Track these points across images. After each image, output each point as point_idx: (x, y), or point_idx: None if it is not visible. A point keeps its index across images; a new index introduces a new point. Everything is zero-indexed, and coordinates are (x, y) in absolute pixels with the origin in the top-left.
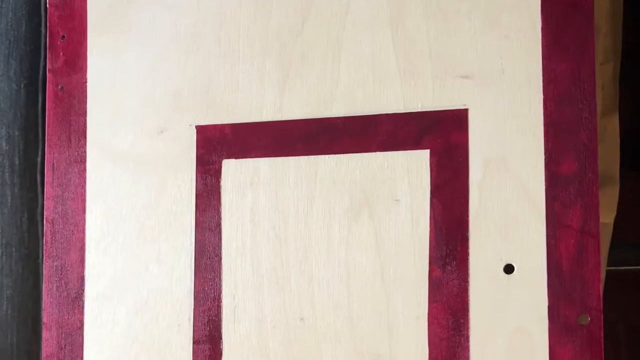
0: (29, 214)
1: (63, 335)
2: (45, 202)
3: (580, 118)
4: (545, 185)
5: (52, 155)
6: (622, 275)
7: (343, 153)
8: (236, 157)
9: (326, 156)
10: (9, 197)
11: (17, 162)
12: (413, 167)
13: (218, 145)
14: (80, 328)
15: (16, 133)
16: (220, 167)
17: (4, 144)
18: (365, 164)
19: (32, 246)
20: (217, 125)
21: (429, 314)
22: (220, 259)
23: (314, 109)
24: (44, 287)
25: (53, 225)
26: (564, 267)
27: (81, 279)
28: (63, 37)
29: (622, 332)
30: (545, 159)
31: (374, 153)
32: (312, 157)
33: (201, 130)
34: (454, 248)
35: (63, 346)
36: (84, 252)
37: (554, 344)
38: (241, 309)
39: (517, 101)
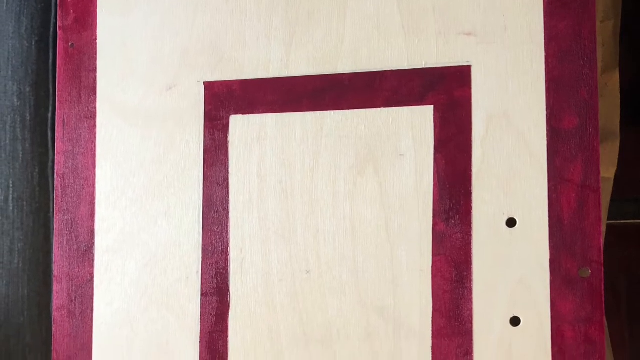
0: (40, 169)
1: (73, 287)
2: (55, 157)
3: (581, 74)
4: (547, 140)
5: (63, 111)
6: (623, 228)
7: (348, 109)
8: (243, 113)
9: (332, 112)
10: (21, 152)
11: (28, 118)
12: (417, 122)
13: (225, 101)
14: (90, 280)
15: (27, 89)
16: (228, 122)
17: (15, 100)
18: (370, 119)
19: (43, 200)
20: (225, 81)
21: (432, 266)
22: (228, 212)
23: (319, 66)
24: (55, 240)
25: (64, 180)
26: (565, 220)
27: (91, 233)
28: None
29: (622, 284)
30: (546, 114)
31: (378, 109)
32: (318, 112)
33: (209, 87)
34: (457, 202)
35: (73, 298)
36: (94, 206)
37: (555, 296)
38: (248, 262)
39: (519, 58)
